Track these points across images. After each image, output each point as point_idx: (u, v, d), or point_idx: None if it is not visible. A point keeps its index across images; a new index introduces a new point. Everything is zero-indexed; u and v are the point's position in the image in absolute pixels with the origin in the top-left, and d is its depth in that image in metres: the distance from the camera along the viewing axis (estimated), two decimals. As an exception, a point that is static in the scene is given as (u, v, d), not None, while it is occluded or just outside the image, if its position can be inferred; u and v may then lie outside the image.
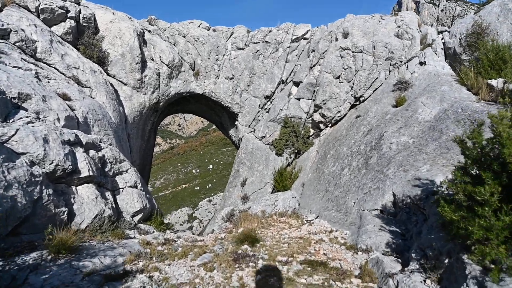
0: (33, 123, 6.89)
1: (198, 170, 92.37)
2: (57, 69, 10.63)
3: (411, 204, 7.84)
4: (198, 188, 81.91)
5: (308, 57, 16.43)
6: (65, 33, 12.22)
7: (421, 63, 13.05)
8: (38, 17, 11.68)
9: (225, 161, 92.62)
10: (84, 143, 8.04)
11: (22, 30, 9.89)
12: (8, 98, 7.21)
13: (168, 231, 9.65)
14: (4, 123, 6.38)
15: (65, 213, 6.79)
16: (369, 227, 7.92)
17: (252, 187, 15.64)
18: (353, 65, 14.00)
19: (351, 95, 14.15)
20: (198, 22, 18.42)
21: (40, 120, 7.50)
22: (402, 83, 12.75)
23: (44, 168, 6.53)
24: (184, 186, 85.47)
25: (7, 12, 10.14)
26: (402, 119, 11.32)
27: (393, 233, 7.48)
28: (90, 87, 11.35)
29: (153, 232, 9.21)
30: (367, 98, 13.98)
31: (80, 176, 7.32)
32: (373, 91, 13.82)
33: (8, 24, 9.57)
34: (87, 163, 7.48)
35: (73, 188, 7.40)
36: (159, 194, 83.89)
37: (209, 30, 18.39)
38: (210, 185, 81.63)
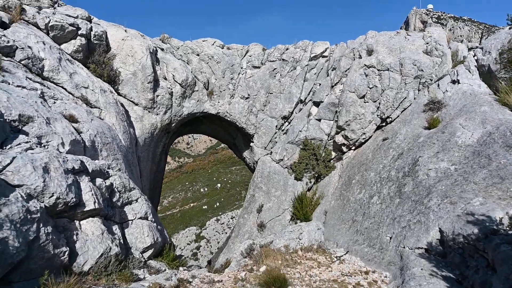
0: (33, 149, 6.04)
1: (206, 189, 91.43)
2: (65, 89, 9.91)
3: (466, 244, 6.72)
4: (206, 207, 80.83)
5: (328, 75, 15.62)
6: (75, 51, 11.59)
7: (454, 82, 12.10)
8: (48, 34, 11.09)
9: (233, 180, 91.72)
10: (90, 171, 7.15)
11: (29, 47, 9.23)
12: (7, 120, 6.40)
13: (181, 269, 8.61)
14: (0, 150, 5.53)
15: (66, 253, 5.83)
16: (416, 271, 6.79)
17: (269, 214, 14.55)
18: (379, 83, 13.11)
19: (377, 115, 13.19)
20: (212, 40, 17.85)
21: (42, 145, 6.66)
22: (434, 103, 11.78)
23: (43, 202, 5.62)
24: (192, 204, 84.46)
25: (14, 28, 9.53)
26: (438, 143, 10.28)
27: (448, 279, 6.34)
28: (99, 108, 10.59)
29: (165, 270, 8.18)
30: (394, 119, 13.00)
31: (85, 210, 6.39)
32: (402, 112, 12.85)
33: (14, 41, 8.92)
34: (92, 194, 6.57)
35: (77, 223, 6.46)
36: (167, 213, 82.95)
37: (223, 48, 17.78)
38: (218, 204, 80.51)
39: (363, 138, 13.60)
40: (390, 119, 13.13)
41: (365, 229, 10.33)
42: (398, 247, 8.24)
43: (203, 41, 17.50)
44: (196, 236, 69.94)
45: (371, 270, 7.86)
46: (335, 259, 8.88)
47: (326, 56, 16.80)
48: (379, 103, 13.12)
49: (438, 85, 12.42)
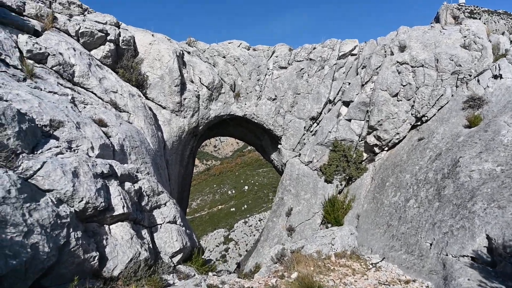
0: (63, 154, 6.03)
1: (233, 191, 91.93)
2: (95, 94, 10.04)
3: (519, 252, 6.12)
4: (233, 209, 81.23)
5: (358, 74, 15.09)
6: (104, 56, 11.76)
7: (496, 76, 11.29)
8: (78, 41, 11.32)
9: (260, 182, 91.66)
10: (119, 175, 7.11)
11: (60, 54, 9.41)
12: (38, 126, 6.47)
13: (210, 274, 8.43)
14: (31, 155, 5.54)
15: (96, 258, 5.76)
16: (463, 281, 6.25)
17: (298, 218, 14.18)
18: (413, 81, 12.47)
19: (412, 114, 12.55)
20: (237, 42, 17.74)
21: (72, 150, 6.68)
22: (474, 99, 11.03)
23: (73, 207, 5.57)
24: (220, 207, 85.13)
25: (46, 36, 9.76)
26: (481, 142, 9.57)
27: (499, 292, 5.79)
28: (128, 112, 10.66)
29: (194, 275, 8.02)
30: (431, 118, 12.31)
31: (114, 214, 6.32)
32: (438, 110, 12.14)
33: (46, 48, 9.12)
34: (121, 199, 6.50)
35: (106, 227, 6.41)
36: (196, 215, 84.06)
37: (249, 49, 17.63)
38: (245, 206, 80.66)
39: (397, 139, 12.97)
40: (426, 118, 12.44)
41: (401, 234, 9.77)
42: (440, 255, 7.68)
43: (229, 43, 17.41)
44: (225, 238, 70.32)
45: (411, 279, 7.35)
46: (371, 266, 8.41)
47: (355, 54, 16.26)
48: (414, 101, 12.47)
49: (478, 81, 11.64)
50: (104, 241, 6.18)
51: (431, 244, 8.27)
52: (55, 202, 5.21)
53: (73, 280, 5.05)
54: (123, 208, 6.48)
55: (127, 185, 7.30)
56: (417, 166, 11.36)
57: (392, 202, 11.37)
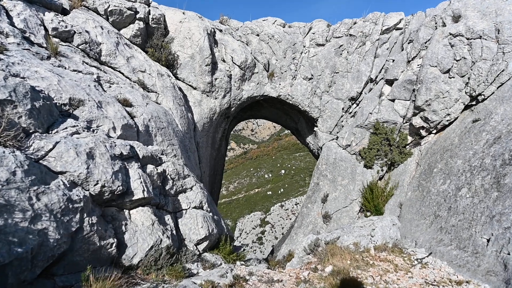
0: (79, 134, 5.68)
1: (270, 175, 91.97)
2: (122, 73, 9.74)
3: None
4: (270, 193, 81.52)
5: (403, 50, 13.69)
6: (134, 35, 11.43)
7: None
8: (107, 19, 11.04)
9: (297, 166, 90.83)
10: (141, 157, 6.73)
11: (87, 32, 9.13)
12: (57, 104, 6.17)
13: (238, 263, 7.97)
14: (44, 134, 5.22)
15: (114, 245, 5.42)
16: (531, 288, 5.26)
17: (335, 205, 13.35)
18: (469, 55, 10.99)
19: (466, 93, 11.12)
20: (272, 19, 16.81)
21: (91, 130, 6.34)
22: (544, 74, 9.48)
23: (88, 190, 5.22)
24: (256, 190, 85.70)
25: (73, 14, 9.51)
26: (552, 124, 8.18)
27: None
28: (156, 92, 10.29)
29: (221, 264, 7.59)
30: (488, 97, 10.83)
31: (133, 199, 5.94)
32: (498, 87, 10.62)
33: (72, 26, 8.85)
34: (141, 182, 6.10)
35: (126, 212, 6.06)
36: (233, 198, 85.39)
37: (284, 27, 16.65)
38: (282, 190, 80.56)
39: (447, 120, 11.62)
40: (482, 96, 10.98)
41: (451, 226, 8.71)
42: (499, 253, 6.64)
43: (263, 20, 16.53)
44: (261, 221, 70.97)
45: (464, 280, 6.41)
46: (416, 262, 7.52)
47: (400, 28, 14.79)
48: (468, 78, 11.01)
49: (550, 53, 10.00)
50: (123, 227, 5.84)
51: (488, 240, 7.21)
52: (68, 185, 4.86)
53: (86, 269, 4.73)
54: (143, 192, 6.08)
55: (150, 167, 6.91)
56: (471, 151, 10.08)
57: (440, 191, 10.23)
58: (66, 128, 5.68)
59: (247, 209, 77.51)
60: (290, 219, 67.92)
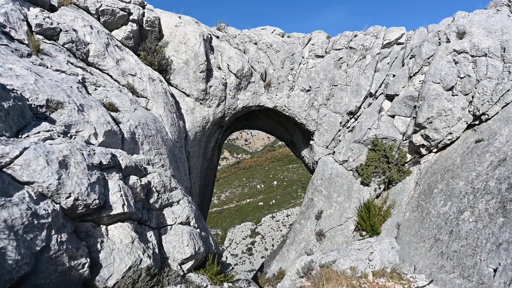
0: (53, 139, 5.09)
1: (262, 186, 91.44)
2: (111, 76, 9.19)
3: None
4: (261, 203, 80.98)
5: (404, 65, 13.36)
6: (126, 37, 10.92)
7: None
8: (99, 19, 10.53)
9: (289, 178, 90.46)
10: (123, 167, 6.12)
11: (74, 30, 8.59)
12: (32, 106, 5.59)
13: (225, 285, 7.35)
14: (12, 139, 4.63)
15: (86, 265, 4.78)
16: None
17: (329, 222, 12.80)
18: (473, 72, 10.66)
19: (469, 112, 10.76)
20: (271, 28, 16.46)
21: (68, 135, 5.76)
22: (551, 96, 9.14)
23: (59, 203, 4.60)
24: (248, 200, 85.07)
25: (61, 11, 8.98)
26: (561, 148, 7.79)
27: None
28: (146, 97, 9.74)
29: (206, 286, 6.95)
30: (492, 117, 10.47)
31: (111, 214, 5.32)
32: (503, 107, 10.28)
33: (58, 23, 8.31)
34: (121, 195, 5.48)
35: (103, 228, 5.42)
36: (224, 207, 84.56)
37: (283, 36, 16.30)
38: (273, 201, 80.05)
39: (449, 139, 11.22)
40: (486, 116, 10.62)
41: (453, 252, 8.20)
42: (509, 286, 6.13)
43: (262, 29, 16.17)
44: (252, 231, 70.30)
45: (470, 315, 5.88)
46: (417, 291, 6.97)
47: (401, 43, 14.51)
48: (472, 97, 10.67)
49: (556, 74, 9.69)
50: (99, 245, 5.20)
51: (495, 270, 6.71)
52: (35, 198, 4.24)
53: (53, 292, 4.11)
54: (123, 206, 5.46)
55: (133, 179, 6.30)
56: (474, 173, 9.65)
57: (441, 213, 9.75)
58: (38, 132, 5.08)
59: (238, 219, 76.83)
60: (281, 230, 67.31)
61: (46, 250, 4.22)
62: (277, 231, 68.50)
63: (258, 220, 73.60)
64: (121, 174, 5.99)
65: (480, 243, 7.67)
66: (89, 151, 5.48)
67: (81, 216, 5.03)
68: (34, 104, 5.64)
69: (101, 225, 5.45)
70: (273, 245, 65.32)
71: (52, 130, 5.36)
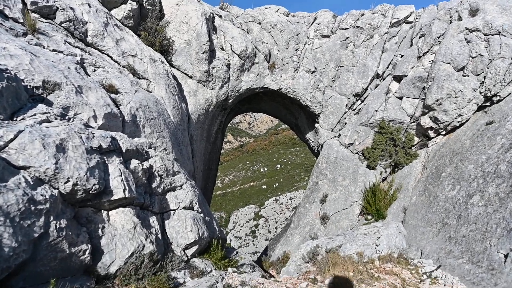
0: (50, 122, 4.89)
1: (266, 169, 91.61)
2: (110, 56, 8.90)
3: None
4: (265, 186, 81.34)
5: (413, 44, 12.91)
6: (126, 16, 10.55)
7: None
8: (97, -2, 10.14)
9: (293, 161, 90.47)
10: (124, 151, 5.93)
11: (72, 8, 8.26)
12: (28, 87, 5.37)
13: (230, 270, 7.26)
14: (6, 122, 4.43)
15: (87, 252, 4.65)
16: None
17: (334, 206, 12.67)
18: (486, 52, 10.25)
19: (480, 93, 10.41)
20: (275, 7, 15.92)
21: (66, 118, 5.54)
22: None
23: (57, 188, 4.44)
24: (251, 184, 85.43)
25: (58, -12, 8.60)
26: None
27: None
28: (147, 79, 9.47)
29: (211, 271, 6.87)
30: (504, 98, 10.13)
31: (112, 199, 5.16)
32: (516, 88, 9.93)
33: (55, 1, 7.97)
34: (122, 180, 5.31)
35: (104, 214, 5.28)
36: (228, 190, 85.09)
37: (288, 16, 15.79)
38: (277, 184, 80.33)
39: (458, 121, 10.91)
40: (498, 97, 10.27)
41: (462, 237, 8.04)
42: (520, 272, 5.98)
43: (266, 8, 15.65)
44: (255, 214, 70.91)
45: (480, 301, 5.75)
46: (424, 276, 6.85)
47: (410, 22, 13.99)
48: (484, 77, 10.29)
49: None
50: (100, 231, 5.07)
51: (506, 256, 6.55)
52: (32, 183, 4.07)
53: (55, 276, 4.01)
54: (124, 191, 5.30)
55: (134, 163, 6.11)
56: (484, 156, 9.40)
57: (449, 197, 9.56)
58: (34, 115, 4.87)
59: (241, 202, 77.41)
60: (284, 213, 67.81)
61: (44, 236, 4.08)
62: (280, 214, 69.06)
63: (262, 203, 74.15)
64: (121, 158, 5.80)
65: (490, 228, 7.49)
66: (87, 134, 5.28)
67: (81, 202, 4.88)
68: (30, 85, 5.41)
69: (102, 211, 5.31)
70: (276, 228, 66.01)
71: (49, 113, 5.15)
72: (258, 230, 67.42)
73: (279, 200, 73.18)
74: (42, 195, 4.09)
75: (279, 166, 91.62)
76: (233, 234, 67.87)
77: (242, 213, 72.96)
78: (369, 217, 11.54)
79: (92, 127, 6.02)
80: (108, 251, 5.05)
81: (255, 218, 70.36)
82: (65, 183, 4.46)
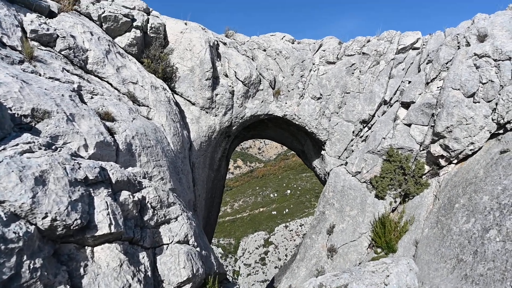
0: (32, 152, 4.66)
1: (275, 195, 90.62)
2: (111, 84, 8.84)
3: None
4: (275, 212, 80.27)
5: (420, 71, 12.65)
6: (129, 44, 10.62)
7: None
8: (101, 26, 10.26)
9: (303, 187, 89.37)
10: (114, 181, 5.65)
11: (72, 36, 8.28)
12: (15, 115, 5.21)
13: (226, 311, 6.77)
14: (-15, 152, 4.23)
15: (65, 293, 4.29)
16: None
17: (341, 237, 12.07)
18: (496, 78, 9.89)
19: (493, 120, 9.97)
20: (281, 34, 15.99)
21: (53, 147, 5.33)
22: None
23: (35, 224, 4.14)
24: (261, 209, 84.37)
25: (60, 18, 8.71)
26: None
27: None
28: (148, 106, 9.35)
29: (205, 313, 6.41)
30: (518, 125, 9.66)
31: (96, 235, 4.83)
32: (530, 115, 9.46)
33: (56, 29, 8.01)
34: (108, 214, 5.00)
35: (88, 250, 4.94)
36: (237, 216, 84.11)
37: (293, 43, 15.81)
38: (287, 210, 79.20)
39: (471, 150, 10.42)
40: (511, 125, 9.81)
41: (479, 276, 7.41)
42: (546, 320, 5.36)
43: (271, 35, 15.72)
44: (265, 241, 69.68)
45: None
46: (439, 321, 6.23)
47: (417, 48, 13.80)
48: (496, 104, 9.87)
49: None
50: (82, 270, 4.70)
51: (529, 300, 5.92)
52: (5, 219, 3.79)
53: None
54: (109, 226, 4.97)
55: (124, 194, 5.81)
56: (500, 187, 8.85)
57: (463, 230, 8.95)
58: (17, 145, 4.65)
59: (251, 228, 76.34)
60: (294, 240, 66.39)
61: (16, 278, 3.74)
62: (290, 240, 67.70)
63: (271, 230, 72.99)
64: (110, 190, 5.51)
65: (509, 267, 6.87)
66: (73, 164, 5.02)
67: (63, 238, 4.56)
68: (18, 114, 5.25)
69: (86, 247, 4.97)
70: (286, 255, 64.44)
71: (33, 142, 4.93)
72: (267, 257, 66.00)
73: (289, 226, 72.03)
74: (15, 232, 3.80)
75: (289, 191, 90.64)
76: (242, 261, 66.49)
77: (251, 239, 71.78)
78: (379, 250, 10.91)
79: (82, 157, 5.79)
80: (90, 292, 4.67)
81: (264, 244, 69.11)
82: (43, 218, 4.17)
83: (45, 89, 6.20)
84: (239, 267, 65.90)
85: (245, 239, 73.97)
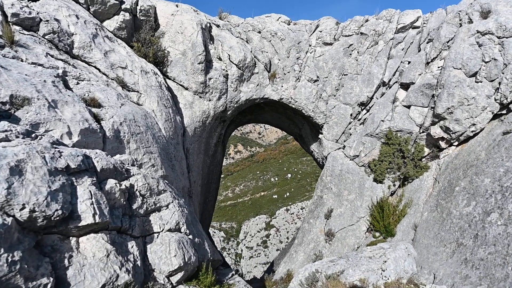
0: (9, 141, 4.41)
1: (276, 179, 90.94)
2: (98, 69, 8.51)
3: None
4: (276, 196, 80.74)
5: (421, 50, 12.24)
6: (118, 28, 10.23)
7: None
8: (88, 9, 9.86)
9: (303, 171, 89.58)
10: (99, 169, 5.42)
11: (56, 20, 7.92)
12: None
13: (220, 298, 6.64)
14: (-44, 142, 3.98)
15: (48, 286, 4.11)
16: None
17: (339, 222, 11.93)
18: (500, 56, 9.52)
19: (495, 100, 9.65)
20: (276, 15, 15.48)
21: (32, 135, 5.07)
22: None
23: (12, 216, 3.93)
24: (262, 193, 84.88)
25: (44, 0, 8.31)
26: None
27: None
28: (138, 91, 9.04)
29: (198, 300, 6.27)
30: (521, 105, 9.35)
31: (80, 225, 4.62)
32: (534, 94, 9.14)
33: (38, 13, 7.64)
34: (91, 204, 4.78)
35: (72, 241, 4.74)
36: (238, 200, 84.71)
37: (289, 24, 15.32)
38: (288, 194, 79.64)
39: (472, 131, 10.14)
40: (515, 104, 9.50)
41: (480, 260, 7.26)
42: (548, 305, 5.21)
43: (267, 17, 15.22)
44: (266, 224, 70.42)
45: None
46: (437, 307, 6.10)
47: (417, 27, 13.34)
48: (499, 83, 9.53)
49: None
50: (66, 261, 4.52)
51: (532, 286, 5.77)
52: (-22, 211, 3.59)
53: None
54: (93, 216, 4.76)
55: (110, 183, 5.58)
56: (502, 169, 8.62)
57: (464, 214, 8.77)
58: (-8, 133, 4.41)
59: (252, 212, 77.04)
60: (295, 223, 67.03)
61: (-8, 272, 3.55)
62: (291, 223, 68.41)
63: (273, 213, 73.66)
64: (94, 178, 5.28)
65: (511, 251, 6.71)
66: (53, 153, 4.77)
67: (45, 229, 4.36)
68: (-6, 101, 4.98)
69: (71, 238, 4.77)
70: (287, 238, 65.21)
71: (10, 130, 4.68)
72: (269, 240, 66.81)
73: (290, 209, 72.63)
74: (-11, 225, 3.58)
75: (289, 175, 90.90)
76: (244, 245, 67.32)
77: (253, 223, 72.48)
78: (377, 234, 10.78)
79: (66, 145, 5.54)
80: (76, 284, 4.50)
81: (266, 228, 69.85)
82: (21, 209, 3.95)
83: (26, 75, 5.90)
84: (241, 250, 66.77)
85: (246, 222, 74.74)
